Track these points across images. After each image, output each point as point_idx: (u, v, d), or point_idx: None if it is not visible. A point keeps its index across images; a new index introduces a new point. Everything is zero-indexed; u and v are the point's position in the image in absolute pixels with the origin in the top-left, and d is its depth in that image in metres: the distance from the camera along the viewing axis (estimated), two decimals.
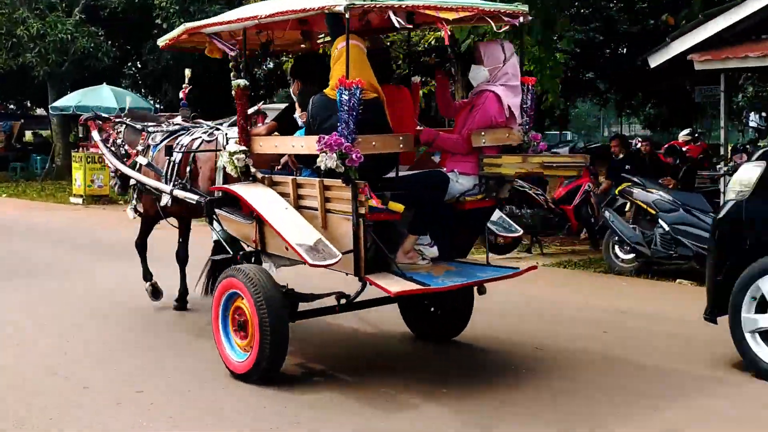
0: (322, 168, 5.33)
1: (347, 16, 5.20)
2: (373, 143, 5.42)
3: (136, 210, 7.95)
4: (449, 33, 5.45)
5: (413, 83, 6.74)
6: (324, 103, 5.48)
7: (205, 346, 6.60)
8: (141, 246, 8.20)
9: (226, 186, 6.28)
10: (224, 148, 6.29)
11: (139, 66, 30.18)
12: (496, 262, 6.44)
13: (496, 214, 6.50)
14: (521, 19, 5.90)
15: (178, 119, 7.81)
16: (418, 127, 6.42)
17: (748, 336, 5.88)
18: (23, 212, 17.36)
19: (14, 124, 30.06)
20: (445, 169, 5.97)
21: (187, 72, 7.77)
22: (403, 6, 5.37)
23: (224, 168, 6.28)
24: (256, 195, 5.91)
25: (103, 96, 22.14)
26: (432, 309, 6.87)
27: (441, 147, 6.06)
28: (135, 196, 7.92)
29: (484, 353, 6.67)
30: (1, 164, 27.02)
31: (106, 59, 24.98)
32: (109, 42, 26.30)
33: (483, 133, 5.86)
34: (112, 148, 7.91)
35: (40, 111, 35.44)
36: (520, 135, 6.02)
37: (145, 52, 26.06)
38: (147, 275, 8.16)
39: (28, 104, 37.49)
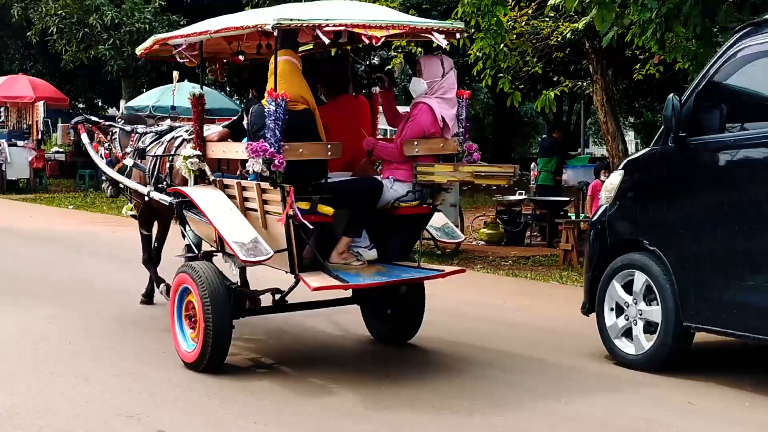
0: (250, 172, 7.08)
1: (275, 33, 6.93)
2: (301, 150, 7.09)
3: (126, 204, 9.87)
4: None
5: (373, 94, 8.40)
6: (259, 113, 7.19)
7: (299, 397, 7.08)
8: (149, 261, 9.99)
9: (178, 187, 8.12)
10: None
11: (225, 61, 32.09)
12: (426, 265, 8.04)
13: (441, 221, 8.10)
14: (458, 35, 7.51)
15: (167, 122, 9.70)
16: (380, 136, 8.13)
17: (606, 307, 7.85)
18: (90, 227, 18.07)
19: None
20: (381, 176, 7.64)
21: (175, 74, 9.57)
22: (330, 25, 7.06)
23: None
24: (204, 196, 7.68)
25: (183, 95, 23.50)
26: (388, 311, 8.48)
27: (379, 155, 7.71)
28: (129, 197, 9.85)
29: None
30: (69, 172, 28.48)
31: None
32: None
33: (416, 143, 7.47)
34: (105, 151, 9.87)
35: (112, 111, 36.72)
36: (456, 145, 7.62)
37: None
38: (158, 281, 9.94)
39: (99, 103, 39.08)
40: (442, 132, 7.57)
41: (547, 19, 15.31)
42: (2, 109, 27.38)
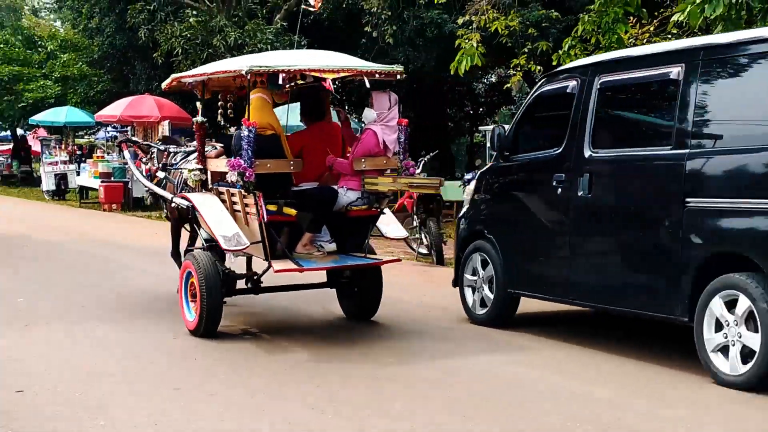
0: (229, 182, 9.53)
1: (248, 77, 9.36)
2: (268, 165, 9.51)
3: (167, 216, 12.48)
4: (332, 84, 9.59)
5: (341, 122, 10.73)
6: (239, 136, 9.64)
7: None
8: (176, 256, 12.49)
9: (183, 194, 10.65)
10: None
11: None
12: (371, 256, 10.36)
13: (390, 220, 10.42)
14: (398, 76, 9.81)
15: (194, 143, 12.26)
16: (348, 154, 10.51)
17: (465, 276, 10.71)
18: None
19: None
20: (337, 185, 10.01)
21: (199, 105, 12.09)
22: (292, 70, 9.46)
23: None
24: (202, 201, 10.18)
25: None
26: (355, 291, 10.84)
27: (337, 169, 10.08)
28: (163, 203, 12.46)
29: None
30: None
31: None
32: None
33: (364, 160, 9.82)
34: (145, 167, 12.52)
35: (232, 130, 39.62)
36: (396, 162, 9.94)
37: None
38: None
39: (222, 122, 41.49)
40: (385, 152, 9.90)
41: (670, 36, 15.34)
42: (129, 128, 29.93)
